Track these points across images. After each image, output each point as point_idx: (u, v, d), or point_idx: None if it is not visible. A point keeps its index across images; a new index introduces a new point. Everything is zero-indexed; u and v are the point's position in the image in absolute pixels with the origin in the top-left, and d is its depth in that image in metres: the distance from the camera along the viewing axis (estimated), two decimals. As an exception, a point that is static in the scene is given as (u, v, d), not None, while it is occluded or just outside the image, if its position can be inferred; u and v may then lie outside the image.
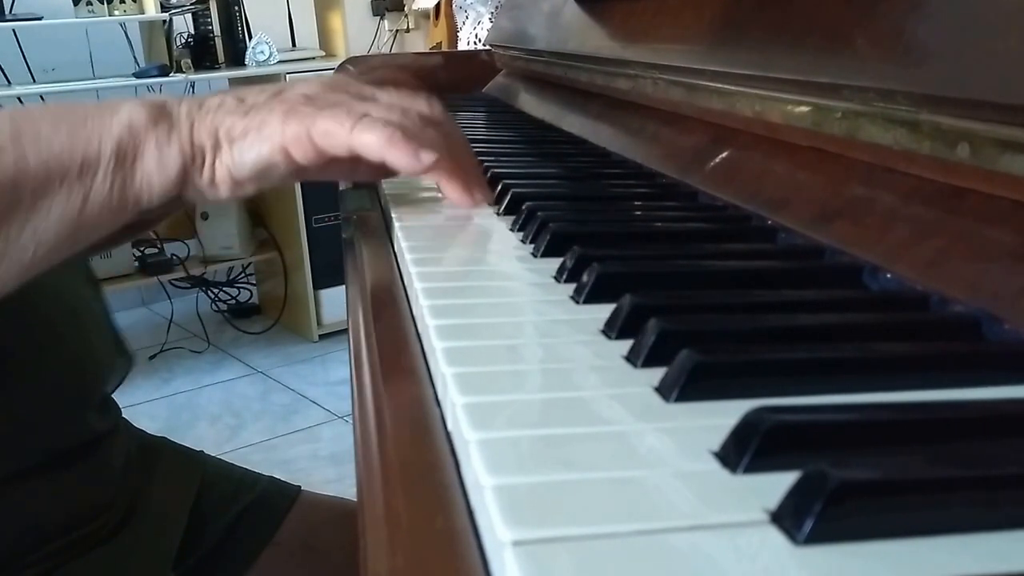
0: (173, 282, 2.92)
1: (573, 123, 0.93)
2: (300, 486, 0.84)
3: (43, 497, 0.63)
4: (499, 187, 0.62)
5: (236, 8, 2.90)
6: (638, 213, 0.61)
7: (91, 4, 2.59)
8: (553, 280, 0.45)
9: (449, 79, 1.35)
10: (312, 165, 0.48)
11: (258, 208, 2.87)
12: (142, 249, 2.67)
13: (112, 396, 0.73)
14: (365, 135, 0.47)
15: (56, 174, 0.45)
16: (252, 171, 0.48)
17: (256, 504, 0.80)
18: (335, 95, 0.49)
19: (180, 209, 0.51)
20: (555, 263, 0.46)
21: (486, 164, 0.71)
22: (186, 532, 0.75)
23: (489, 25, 2.60)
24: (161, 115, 0.48)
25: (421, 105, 0.52)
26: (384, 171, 0.52)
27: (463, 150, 0.55)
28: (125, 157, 0.46)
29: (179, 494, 0.77)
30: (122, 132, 0.46)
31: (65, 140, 0.46)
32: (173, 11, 2.74)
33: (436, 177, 0.52)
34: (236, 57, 2.88)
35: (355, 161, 0.49)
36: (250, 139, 0.47)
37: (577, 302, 0.41)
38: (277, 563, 0.78)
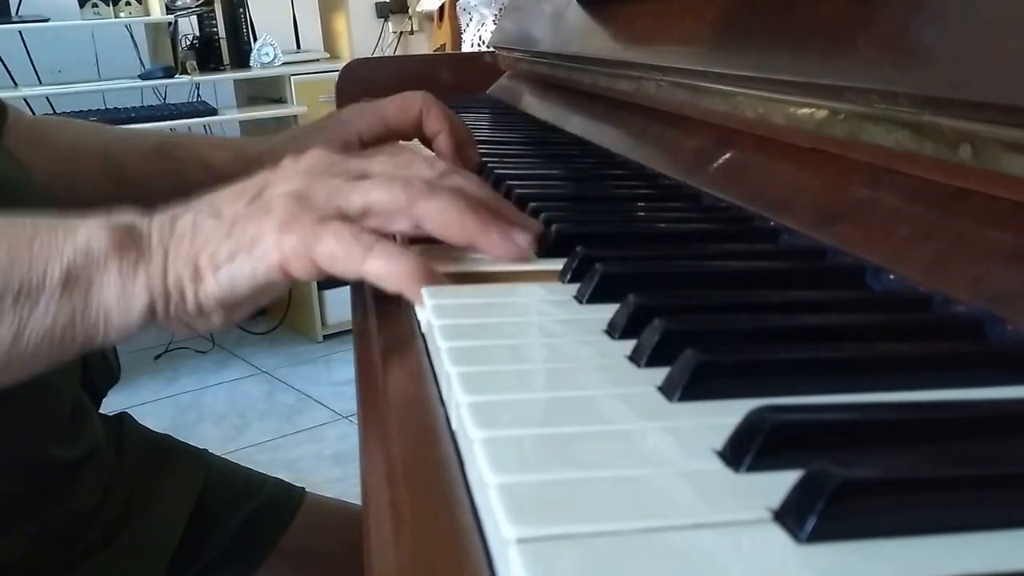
0: (178, 283, 2.91)
1: (577, 125, 0.93)
2: (304, 488, 0.84)
3: (15, 534, 0.60)
4: (503, 189, 0.62)
5: (241, 10, 2.91)
6: (641, 214, 0.61)
7: (97, 6, 2.60)
8: (556, 280, 0.45)
9: (453, 81, 1.35)
10: (314, 279, 0.42)
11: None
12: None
13: (96, 416, 0.70)
14: (380, 270, 0.40)
15: None
16: (247, 296, 0.42)
17: (262, 508, 0.79)
18: (326, 187, 0.42)
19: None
20: (559, 263, 0.46)
21: (490, 165, 0.71)
22: (191, 536, 0.74)
23: (493, 27, 2.61)
24: (127, 239, 0.41)
25: (421, 169, 0.45)
26: None
27: (483, 194, 0.47)
28: (76, 286, 0.40)
29: (184, 491, 0.76)
30: (75, 257, 0.40)
31: (3, 258, 0.40)
32: (178, 13, 2.75)
33: (469, 243, 0.44)
34: (241, 59, 2.90)
35: None
36: (239, 262, 0.40)
37: (581, 302, 0.41)
38: (280, 569, 0.78)
